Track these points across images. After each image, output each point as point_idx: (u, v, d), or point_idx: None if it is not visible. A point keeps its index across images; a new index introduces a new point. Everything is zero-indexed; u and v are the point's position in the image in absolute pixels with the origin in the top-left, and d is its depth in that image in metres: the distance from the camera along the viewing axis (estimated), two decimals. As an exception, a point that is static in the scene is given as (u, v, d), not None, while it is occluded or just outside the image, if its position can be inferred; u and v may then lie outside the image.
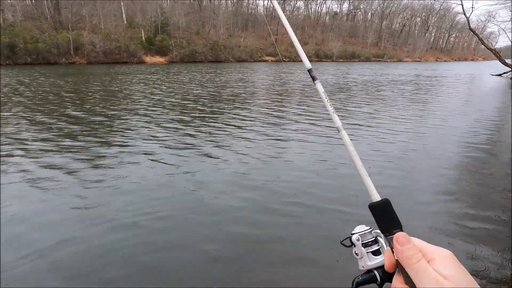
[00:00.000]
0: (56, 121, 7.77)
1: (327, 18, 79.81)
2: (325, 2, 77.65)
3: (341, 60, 60.52)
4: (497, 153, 6.06)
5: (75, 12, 41.99)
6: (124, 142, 6.08)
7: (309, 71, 0.67)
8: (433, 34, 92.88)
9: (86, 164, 4.87)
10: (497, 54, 23.82)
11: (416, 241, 0.41)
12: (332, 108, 0.59)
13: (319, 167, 4.87)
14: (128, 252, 2.76)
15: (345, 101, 11.57)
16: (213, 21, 55.05)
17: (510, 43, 30.44)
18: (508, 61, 23.94)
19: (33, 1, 44.35)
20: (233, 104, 10.44)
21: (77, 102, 10.76)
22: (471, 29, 26.26)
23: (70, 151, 5.46)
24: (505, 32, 27.75)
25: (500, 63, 23.80)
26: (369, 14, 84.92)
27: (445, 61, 78.94)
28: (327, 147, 5.88)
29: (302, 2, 75.47)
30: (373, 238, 0.47)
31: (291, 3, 73.55)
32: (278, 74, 24.77)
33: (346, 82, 18.80)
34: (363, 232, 0.47)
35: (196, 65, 36.74)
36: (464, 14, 25.24)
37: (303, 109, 9.79)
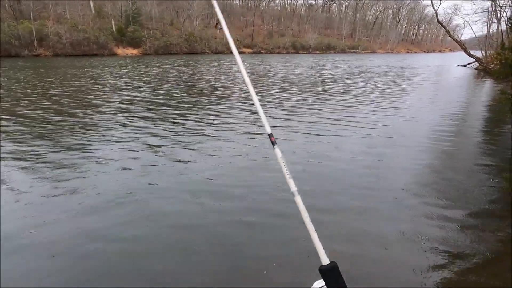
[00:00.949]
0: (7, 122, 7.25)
1: (302, 9, 79.97)
2: (300, -7, 77.62)
3: (317, 51, 61.10)
4: (464, 142, 6.37)
5: (37, 1, 39.02)
6: (83, 145, 5.44)
7: (269, 135, 0.70)
8: (404, 26, 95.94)
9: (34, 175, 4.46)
10: (463, 46, 25.06)
11: None
12: (288, 173, 0.61)
13: (304, 162, 4.90)
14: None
15: (321, 93, 11.72)
16: (188, 11, 53.42)
17: (474, 35, 32.11)
18: (472, 52, 25.27)
19: (-12, -12, 40.66)
20: (207, 99, 10.24)
21: (33, 98, 10.01)
22: (439, 22, 27.40)
23: (16, 158, 5.02)
24: (469, 25, 29.16)
25: (465, 54, 25.07)
26: (344, 6, 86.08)
27: (415, 52, 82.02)
28: (306, 140, 5.94)
29: (278, -7, 75.02)
30: None
31: (267, -6, 72.77)
32: (254, 66, 24.61)
33: (321, 74, 19.03)
34: None
35: (171, 57, 35.66)
36: (433, 7, 26.38)
37: (279, 103, 9.80)
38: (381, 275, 2.49)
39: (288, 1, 78.54)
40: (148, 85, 12.99)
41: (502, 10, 21.44)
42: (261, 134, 6.20)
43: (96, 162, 4.62)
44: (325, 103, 9.51)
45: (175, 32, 47.09)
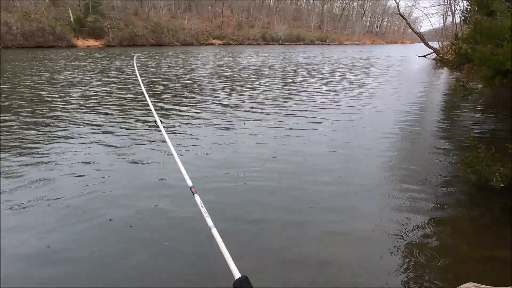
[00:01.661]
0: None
1: (271, 1, 79.75)
2: (268, -16, 77.10)
3: (287, 43, 61.51)
4: (423, 132, 6.77)
5: (-20, -14, 35.09)
6: (31, 148, 5.05)
7: (190, 188, 0.91)
8: (368, 18, 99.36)
9: None
10: (422, 37, 26.49)
11: None
12: (205, 212, 0.76)
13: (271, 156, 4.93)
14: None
15: (290, 85, 11.84)
16: (153, 0, 51.09)
17: (432, 27, 34.07)
18: (430, 43, 26.82)
19: None
20: (173, 92, 9.95)
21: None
22: (400, 14, 28.67)
23: None
24: (428, 17, 30.82)
25: (424, 45, 26.54)
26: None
27: (379, 43, 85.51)
28: (274, 134, 5.99)
29: (246, -17, 73.90)
30: None
31: (235, -16, 71.51)
32: (223, 58, 24.26)
33: (291, 66, 19.21)
34: None
35: (137, 49, 34.06)
36: (395, 0, 27.39)
37: (249, 95, 9.77)
38: (352, 270, 2.61)
39: (257, -8, 77.87)
40: (109, 79, 12.30)
41: (456, 3, 22.94)
42: (230, 129, 6.16)
43: (46, 167, 4.28)
44: (294, 95, 9.60)
45: (140, 22, 44.93)
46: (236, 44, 52.86)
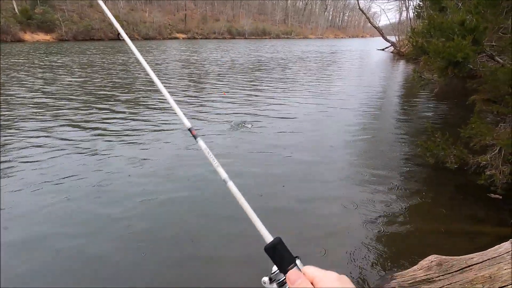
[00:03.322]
0: None
1: (235, -7, 78.91)
2: (232, -23, 76.06)
3: (253, 37, 61.46)
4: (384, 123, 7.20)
5: None
6: None
7: (190, 130, 0.70)
8: (331, 13, 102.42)
9: None
10: (380, 32, 27.91)
11: (310, 270, 0.44)
12: (215, 162, 0.62)
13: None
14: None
15: (254, 81, 11.86)
16: (109, -9, 48.09)
17: (389, 22, 35.97)
18: (388, 37, 28.37)
19: None
20: (137, 92, 9.55)
21: None
22: (360, 9, 29.87)
23: None
24: (385, 12, 32.48)
25: (382, 39, 28.00)
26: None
27: (342, 37, 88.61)
28: (234, 133, 6.01)
29: (209, -24, 72.18)
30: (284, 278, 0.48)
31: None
32: (186, 53, 23.67)
33: (255, 61, 19.25)
34: (275, 273, 0.48)
35: (92, 43, 31.97)
36: (354, -5, 28.46)
37: (208, 93, 9.67)
38: (329, 243, 2.74)
39: (220, -15, 76.56)
40: (57, 78, 11.40)
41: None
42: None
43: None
44: (259, 91, 9.49)
45: (96, 15, 42.14)
46: (201, 38, 51.72)
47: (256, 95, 8.57)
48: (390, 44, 27.66)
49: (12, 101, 7.50)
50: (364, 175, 3.95)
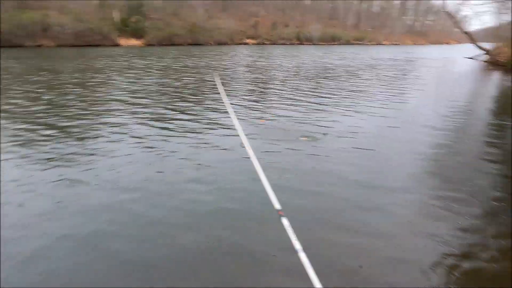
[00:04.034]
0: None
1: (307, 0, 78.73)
2: (305, -17, 76.08)
3: (322, 43, 60.32)
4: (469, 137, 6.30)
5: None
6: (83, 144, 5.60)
7: (278, 211, 0.92)
8: (410, 17, 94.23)
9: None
10: (471, 37, 24.57)
11: None
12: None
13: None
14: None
15: (319, 89, 11.56)
16: (190, 1, 52.82)
17: (481, 27, 31.44)
18: (480, 44, 24.78)
19: (-10, -23, 40.37)
20: (213, 94, 10.13)
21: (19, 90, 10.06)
22: (446, 12, 26.79)
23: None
24: (478, 16, 28.49)
25: (472, 45, 24.60)
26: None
27: (421, 44, 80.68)
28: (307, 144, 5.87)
29: (282, -17, 73.53)
30: None
31: (271, -17, 71.49)
32: (258, 58, 24.37)
33: (321, 68, 18.78)
34: None
35: (175, 48, 35.37)
36: (441, -3, 25.60)
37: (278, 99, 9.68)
38: (387, 272, 2.49)
39: (293, -9, 77.18)
40: (138, 79, 12.90)
41: (512, 0, 20.87)
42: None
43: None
44: (323, 99, 9.14)
45: (179, 23, 46.60)
46: (269, 44, 52.92)
47: (320, 103, 8.28)
48: (481, 52, 24.12)
49: (102, 98, 8.78)
50: (434, 195, 3.48)
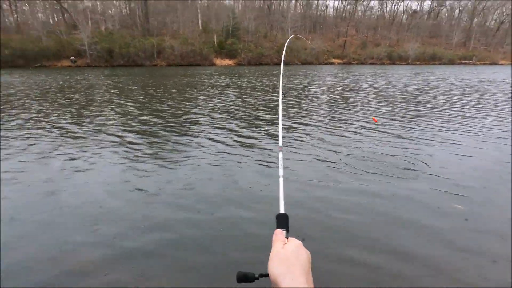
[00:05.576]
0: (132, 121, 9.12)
1: (404, 17, 73.52)
2: (402, 1, 71.45)
3: (418, 62, 55.01)
4: None
5: (160, 20, 47.32)
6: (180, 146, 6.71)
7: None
8: (542, 31, 77.27)
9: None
10: None
11: (291, 238, 0.68)
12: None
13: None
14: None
15: (408, 114, 10.68)
16: (281, 23, 55.87)
17: None
18: None
19: (128, 12, 51.58)
20: (299, 110, 10.58)
21: (142, 99, 12.27)
22: None
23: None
24: None
25: None
26: (457, 11, 75.15)
27: (557, 64, 64.89)
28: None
29: (376, 2, 70.97)
30: None
31: (364, 2, 69.77)
32: (339, 79, 23.95)
33: (412, 90, 17.19)
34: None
35: (261, 67, 37.82)
36: None
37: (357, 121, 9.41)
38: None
39: (387, 9, 73.45)
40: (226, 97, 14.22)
41: None
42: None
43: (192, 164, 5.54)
44: (412, 126, 8.57)
45: (268, 44, 49.74)
46: (357, 63, 51.17)
47: (407, 130, 7.64)
48: None
49: (191, 112, 10.24)
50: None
